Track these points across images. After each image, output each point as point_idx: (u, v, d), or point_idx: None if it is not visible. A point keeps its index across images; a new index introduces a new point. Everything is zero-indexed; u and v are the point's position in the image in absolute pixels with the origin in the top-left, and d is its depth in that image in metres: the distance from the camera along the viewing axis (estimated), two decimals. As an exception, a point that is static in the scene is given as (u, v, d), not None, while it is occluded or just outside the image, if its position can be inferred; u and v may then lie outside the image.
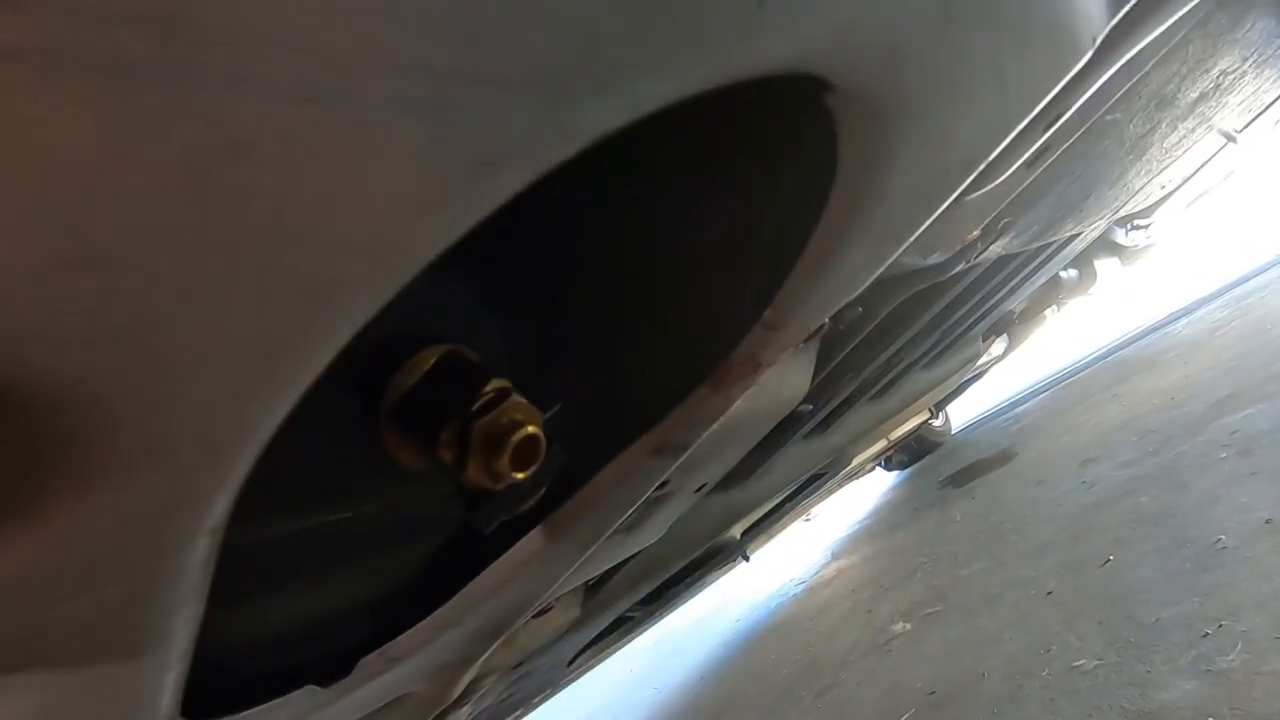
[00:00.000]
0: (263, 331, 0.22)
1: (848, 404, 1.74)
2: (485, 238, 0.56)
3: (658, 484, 0.73)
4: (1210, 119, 1.29)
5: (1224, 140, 1.92)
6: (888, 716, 2.01)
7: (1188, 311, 4.41)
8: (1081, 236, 1.85)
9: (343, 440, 0.52)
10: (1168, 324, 4.45)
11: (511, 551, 0.66)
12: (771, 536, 3.35)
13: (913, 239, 0.54)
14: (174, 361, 0.22)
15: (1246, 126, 1.90)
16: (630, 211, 0.55)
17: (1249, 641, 1.40)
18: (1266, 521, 1.70)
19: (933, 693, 1.97)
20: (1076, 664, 1.68)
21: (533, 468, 0.47)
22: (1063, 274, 2.74)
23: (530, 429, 0.45)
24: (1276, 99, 1.73)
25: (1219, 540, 1.76)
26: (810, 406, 1.51)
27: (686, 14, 0.22)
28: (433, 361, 0.48)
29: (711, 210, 0.53)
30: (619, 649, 2.74)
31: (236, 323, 0.22)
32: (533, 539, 0.66)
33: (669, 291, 0.57)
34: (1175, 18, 0.57)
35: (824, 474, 2.42)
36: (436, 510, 0.64)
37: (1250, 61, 1.07)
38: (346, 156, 0.19)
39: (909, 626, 2.50)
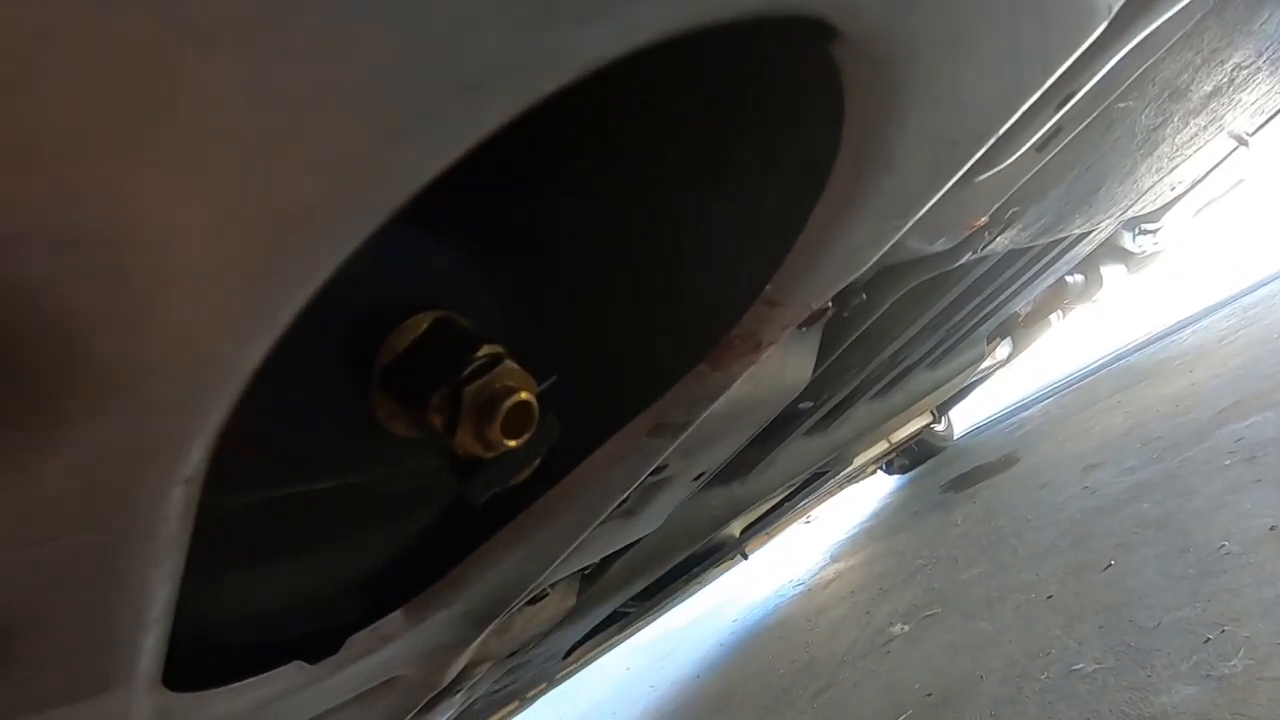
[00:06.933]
0: (233, 256, 0.21)
1: (851, 400, 1.73)
2: (483, 208, 0.55)
3: (655, 466, 0.72)
4: (1222, 117, 1.27)
5: (1235, 144, 1.91)
6: (885, 717, 2.00)
7: (1195, 319, 4.39)
8: (1089, 237, 1.83)
9: (335, 405, 0.51)
10: (1174, 332, 4.43)
11: (505, 529, 0.65)
12: (771, 536, 3.34)
13: (919, 215, 0.53)
14: (140, 283, 0.21)
15: (1258, 130, 1.88)
16: (631, 182, 0.54)
17: (1251, 647, 1.38)
18: (1271, 528, 1.69)
19: (930, 694, 1.95)
20: (1076, 667, 1.66)
21: (525, 436, 0.46)
22: (1069, 279, 2.73)
23: (523, 395, 0.44)
24: (1290, 102, 1.71)
25: (1222, 546, 1.74)
26: (812, 403, 1.50)
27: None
28: (425, 325, 0.47)
29: (714, 181, 0.51)
30: (616, 645, 2.73)
31: (204, 245, 0.21)
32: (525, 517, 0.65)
33: (669, 265, 0.56)
34: (1192, -4, 0.56)
35: (825, 473, 2.41)
36: (429, 482, 0.63)
37: (1265, 57, 1.06)
38: (312, 63, 0.18)
39: (908, 628, 2.49)
